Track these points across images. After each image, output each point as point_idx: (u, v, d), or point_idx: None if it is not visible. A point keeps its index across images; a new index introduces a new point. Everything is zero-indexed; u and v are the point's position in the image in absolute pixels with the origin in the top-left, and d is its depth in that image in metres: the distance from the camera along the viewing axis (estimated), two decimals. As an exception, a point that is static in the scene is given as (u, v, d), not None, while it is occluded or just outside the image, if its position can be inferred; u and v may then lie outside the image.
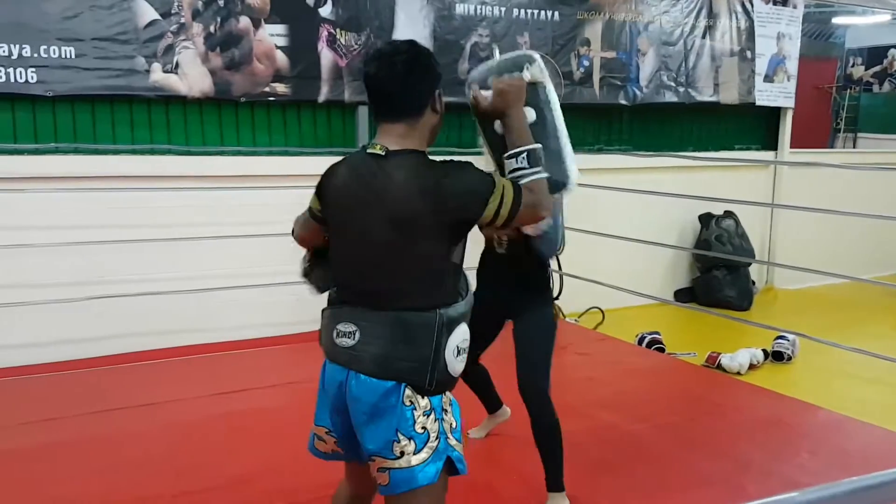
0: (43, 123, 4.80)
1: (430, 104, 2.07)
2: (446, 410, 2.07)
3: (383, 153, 2.01)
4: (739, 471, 3.55)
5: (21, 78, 4.58)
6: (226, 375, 4.72)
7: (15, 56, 4.55)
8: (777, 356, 5.47)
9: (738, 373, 5.19)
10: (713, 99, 7.08)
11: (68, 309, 4.79)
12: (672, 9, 6.74)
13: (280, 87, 5.28)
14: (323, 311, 2.15)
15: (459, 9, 5.83)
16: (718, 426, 4.14)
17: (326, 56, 5.39)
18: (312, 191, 2.21)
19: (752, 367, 5.31)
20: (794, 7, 7.42)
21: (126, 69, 4.83)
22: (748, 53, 7.19)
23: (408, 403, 2.00)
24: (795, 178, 7.61)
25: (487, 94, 2.38)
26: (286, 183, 4.99)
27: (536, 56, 2.45)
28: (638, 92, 6.68)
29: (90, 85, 4.76)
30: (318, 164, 2.32)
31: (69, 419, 4.04)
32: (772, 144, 7.83)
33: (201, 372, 4.82)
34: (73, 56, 4.68)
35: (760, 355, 5.40)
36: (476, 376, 3.49)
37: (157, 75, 4.92)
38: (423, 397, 2.01)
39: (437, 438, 2.02)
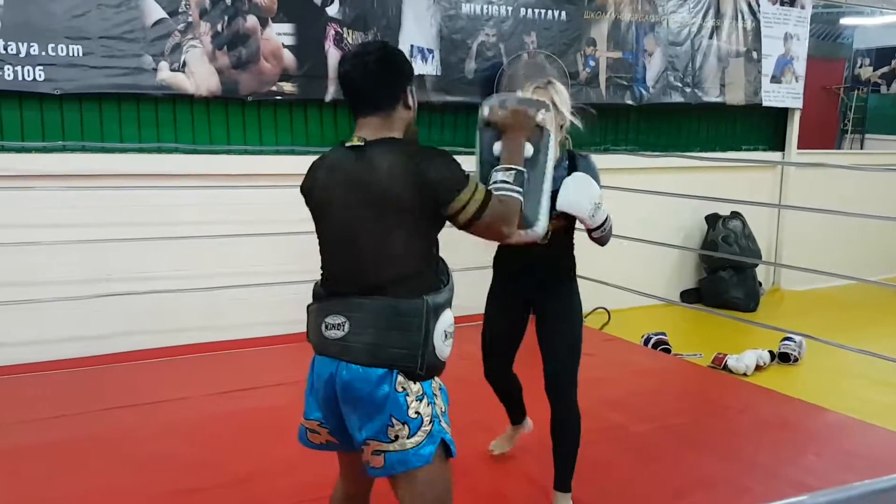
0: (50, 121, 4.81)
1: (402, 100, 2.17)
2: (436, 395, 2.13)
3: (362, 143, 2.10)
4: (745, 472, 3.54)
5: (29, 76, 4.59)
6: (231, 374, 4.72)
7: (23, 54, 4.56)
8: (783, 357, 5.45)
9: (745, 374, 5.17)
10: (719, 100, 7.06)
11: (74, 307, 4.80)
12: (679, 9, 6.72)
13: (287, 86, 5.29)
14: (308, 306, 2.21)
15: (466, 8, 5.82)
16: (724, 427, 4.13)
17: (333, 55, 5.39)
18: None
19: (758, 368, 5.29)
20: (802, 7, 7.39)
21: (133, 68, 4.84)
22: (754, 54, 7.17)
23: (400, 389, 2.05)
24: (802, 179, 7.59)
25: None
26: (293, 182, 4.91)
27: (551, 108, 2.55)
28: (644, 92, 6.66)
29: (98, 83, 4.77)
30: (325, 163, 2.32)
31: (74, 417, 4.06)
32: (779, 145, 7.80)
33: (206, 370, 4.83)
34: (81, 54, 4.69)
35: (767, 356, 5.38)
36: (508, 385, 3.36)
37: (165, 74, 4.93)
38: (414, 383, 2.07)
39: (430, 422, 2.08)
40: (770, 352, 5.43)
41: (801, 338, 5.40)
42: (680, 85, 6.83)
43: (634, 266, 6.47)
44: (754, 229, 7.30)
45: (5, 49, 4.51)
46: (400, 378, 2.06)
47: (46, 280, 4.79)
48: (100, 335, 4.95)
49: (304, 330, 2.20)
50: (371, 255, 2.08)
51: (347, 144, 2.12)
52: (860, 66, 10.17)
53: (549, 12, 6.14)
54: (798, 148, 7.78)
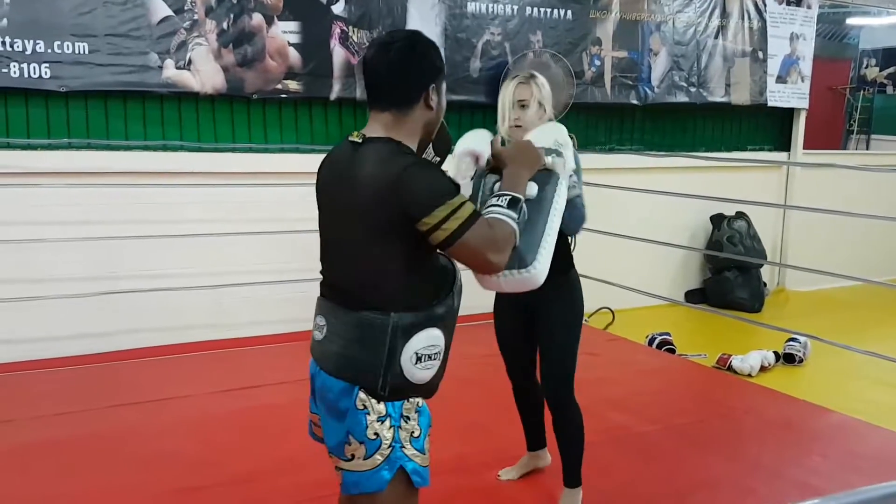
0: (56, 119, 4.82)
1: (424, 98, 1.97)
2: (408, 418, 1.97)
3: (360, 140, 1.95)
4: (749, 473, 3.54)
5: (35, 73, 4.59)
6: (235, 372, 4.73)
7: (29, 51, 4.56)
8: (788, 358, 5.44)
9: (749, 375, 5.16)
10: (724, 99, 7.05)
11: (79, 304, 4.81)
12: (685, 8, 6.71)
13: (292, 84, 5.29)
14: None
15: (471, 7, 5.82)
16: (729, 428, 4.12)
17: (339, 53, 5.39)
18: None
19: (763, 369, 5.28)
20: (809, 7, 7.38)
21: (139, 65, 4.84)
22: (760, 54, 7.15)
23: (360, 407, 1.93)
24: (808, 180, 7.57)
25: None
26: (297, 180, 4.96)
27: (569, 159, 2.36)
28: (650, 92, 6.65)
29: (103, 81, 4.78)
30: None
31: (78, 414, 4.07)
32: (784, 145, 7.78)
33: (210, 368, 4.83)
34: (87, 52, 4.70)
35: (772, 357, 5.37)
36: (528, 398, 3.27)
37: (170, 72, 4.93)
38: (378, 402, 1.94)
39: (390, 447, 1.94)
40: (775, 352, 5.41)
41: (806, 338, 5.39)
42: (685, 84, 6.82)
43: (639, 266, 6.46)
44: (759, 229, 7.28)
45: (11, 46, 4.52)
46: (362, 395, 1.93)
47: (51, 277, 4.79)
48: (104, 332, 4.95)
49: (310, 329, 2.16)
50: (347, 261, 1.98)
51: (349, 138, 1.99)
52: (866, 67, 10.16)
53: (555, 11, 6.13)
54: (804, 148, 7.76)
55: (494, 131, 2.73)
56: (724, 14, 6.91)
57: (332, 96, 5.43)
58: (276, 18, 5.19)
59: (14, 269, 4.73)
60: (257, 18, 5.13)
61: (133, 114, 5.01)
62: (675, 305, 6.80)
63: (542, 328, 3.00)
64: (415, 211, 1.84)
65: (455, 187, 1.90)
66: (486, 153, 2.67)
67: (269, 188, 5.22)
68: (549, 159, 2.23)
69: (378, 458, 1.93)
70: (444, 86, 2.04)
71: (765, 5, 7.09)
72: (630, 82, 6.55)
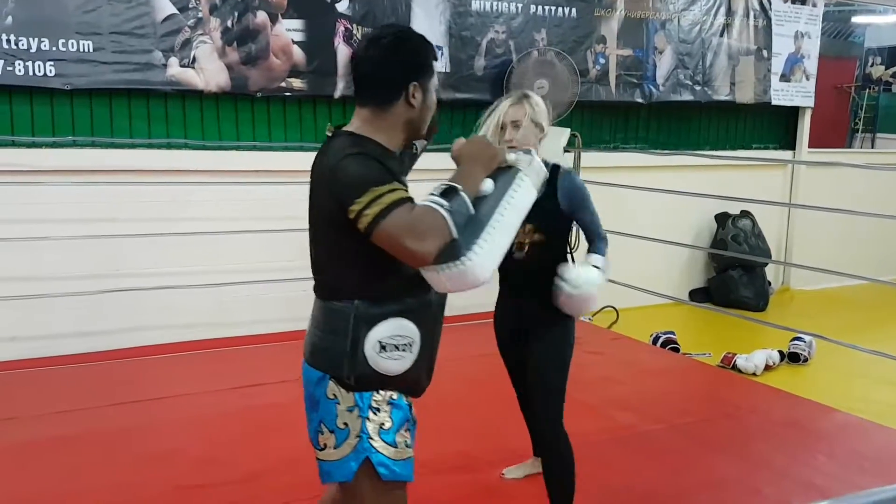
0: (61, 117, 4.82)
1: (405, 95, 1.94)
2: (377, 409, 1.97)
3: (330, 134, 2.00)
4: (754, 472, 3.53)
5: (40, 71, 4.60)
6: (238, 370, 4.73)
7: (34, 49, 4.57)
8: (793, 357, 5.43)
9: (754, 374, 5.15)
10: (729, 98, 7.03)
11: (83, 302, 4.81)
12: (690, 7, 6.69)
13: (296, 83, 5.28)
14: None
15: (476, 5, 5.81)
16: (734, 427, 4.11)
17: (343, 51, 5.39)
18: None
19: (767, 368, 5.27)
20: (814, 6, 7.35)
21: (143, 63, 4.85)
22: (764, 52, 7.13)
23: (331, 396, 1.97)
24: (813, 178, 7.55)
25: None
26: (301, 178, 4.92)
27: (537, 160, 2.08)
28: (654, 90, 6.64)
29: (108, 79, 4.78)
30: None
31: (84, 412, 4.07)
32: (790, 144, 7.77)
33: (216, 366, 4.83)
34: (92, 50, 4.70)
35: (776, 356, 5.36)
36: (530, 406, 3.16)
37: (174, 70, 4.93)
38: (348, 392, 1.96)
39: (357, 437, 1.95)
40: (780, 351, 5.40)
41: (811, 338, 5.38)
42: (690, 83, 6.80)
43: (643, 264, 6.44)
44: (764, 228, 7.26)
45: (16, 44, 4.52)
46: (332, 385, 1.96)
47: (55, 275, 4.80)
48: (108, 331, 4.96)
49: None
50: (318, 254, 2.03)
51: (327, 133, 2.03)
52: (871, 65, 10.13)
53: (560, 9, 6.12)
54: (809, 147, 7.74)
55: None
56: (730, 12, 6.89)
57: (336, 94, 5.42)
58: (280, 16, 5.19)
59: (18, 267, 4.73)
60: (261, 16, 5.13)
61: (137, 112, 5.01)
62: (680, 304, 6.79)
63: (532, 365, 2.87)
64: (344, 199, 1.83)
65: (388, 179, 1.83)
66: None
67: (273, 186, 5.21)
68: (511, 156, 2.06)
69: (346, 448, 1.96)
70: (432, 84, 2.00)
71: (770, 4, 7.07)
72: (635, 80, 6.54)
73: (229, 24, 5.04)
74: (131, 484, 3.30)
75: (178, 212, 5.05)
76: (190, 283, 5.05)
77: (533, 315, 2.86)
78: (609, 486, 3.30)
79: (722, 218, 7.18)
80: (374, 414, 1.97)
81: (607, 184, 5.57)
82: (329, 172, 1.89)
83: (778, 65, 7.23)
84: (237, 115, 5.29)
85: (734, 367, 5.23)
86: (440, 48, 5.69)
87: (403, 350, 1.96)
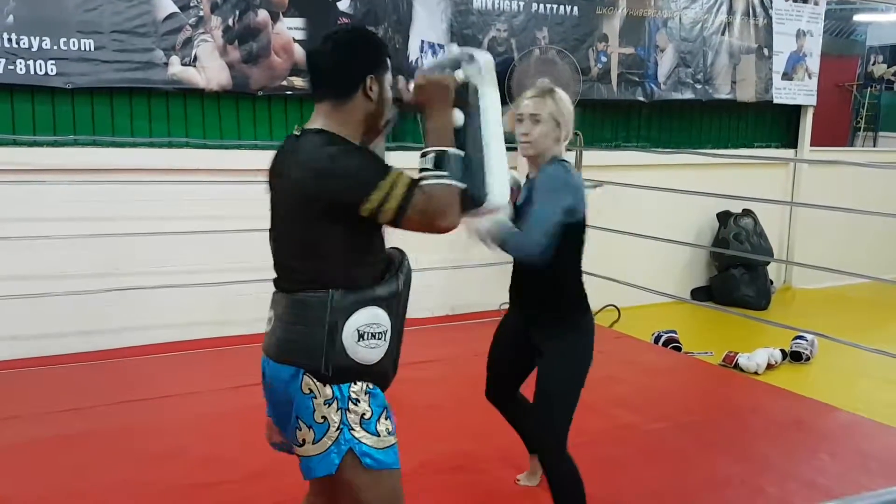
0: (62, 116, 4.82)
1: (362, 88, 1.97)
2: (357, 400, 1.97)
3: (299, 133, 2.00)
4: (757, 472, 3.52)
5: (41, 70, 4.59)
6: (243, 369, 4.70)
7: (35, 48, 4.56)
8: (795, 356, 5.42)
9: (756, 373, 5.14)
10: (730, 96, 7.02)
11: (85, 301, 4.81)
12: (691, 5, 6.69)
13: (297, 81, 5.27)
14: None
15: (477, 3, 5.80)
16: (736, 426, 4.11)
17: (344, 50, 5.37)
18: None
19: (769, 367, 5.26)
20: (816, 4, 7.34)
21: (145, 62, 4.84)
22: (766, 51, 7.12)
23: (307, 391, 1.95)
24: (815, 177, 7.54)
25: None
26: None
27: (480, 57, 2.07)
28: (656, 88, 6.63)
29: (109, 77, 4.78)
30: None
31: (86, 411, 4.07)
32: (792, 142, 7.76)
33: (219, 365, 4.83)
34: (93, 48, 4.70)
35: (778, 355, 5.35)
36: (511, 412, 3.06)
37: (176, 68, 4.92)
38: (325, 385, 1.95)
39: (338, 429, 1.95)
40: (782, 350, 5.39)
41: (813, 336, 5.37)
42: (691, 81, 6.80)
43: (645, 263, 6.44)
44: (766, 227, 7.26)
45: (17, 43, 4.52)
46: (307, 379, 1.95)
47: (57, 274, 4.79)
48: (111, 329, 4.96)
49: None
50: (287, 248, 2.02)
51: (292, 132, 2.04)
52: (873, 64, 10.11)
53: (561, 7, 6.11)
54: (811, 145, 7.73)
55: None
56: (731, 11, 6.89)
57: (338, 93, 5.41)
58: (281, 15, 5.18)
59: (21, 265, 4.72)
60: (263, 15, 5.12)
61: (139, 111, 5.01)
62: (682, 303, 6.78)
63: (540, 375, 2.70)
64: (351, 198, 1.88)
65: (383, 167, 1.92)
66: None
67: (274, 185, 5.21)
68: (458, 73, 2.04)
69: (327, 441, 1.95)
70: (387, 78, 2.02)
71: (771, 2, 7.06)
72: (636, 79, 6.53)
73: (230, 22, 5.03)
74: (135, 482, 3.30)
75: (179, 210, 5.04)
76: (192, 281, 5.05)
77: (540, 326, 2.71)
78: (611, 486, 3.29)
79: (724, 216, 7.18)
80: (355, 405, 1.97)
81: (608, 182, 5.57)
82: (313, 169, 1.90)
83: (780, 63, 7.22)
84: (238, 114, 5.29)
85: (736, 366, 5.22)
86: (442, 46, 5.68)
87: (379, 338, 1.98)
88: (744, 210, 7.15)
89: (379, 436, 1.99)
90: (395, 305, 2.02)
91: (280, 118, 5.40)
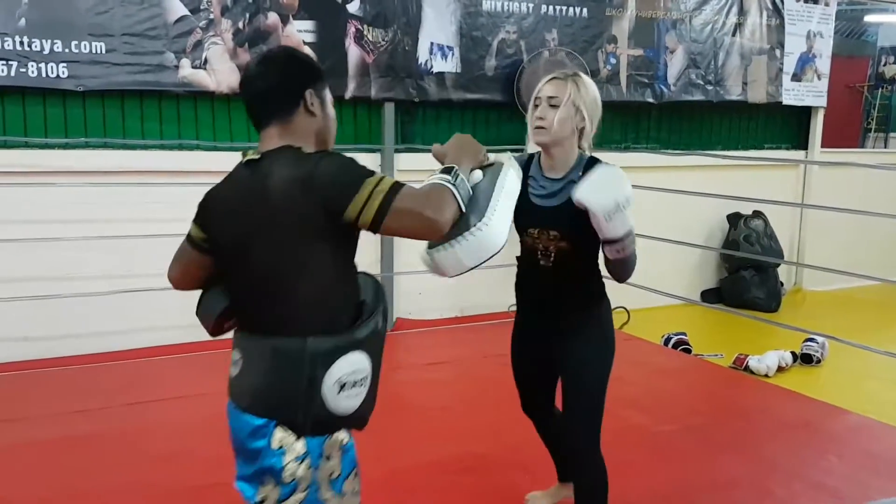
0: (73, 118, 4.85)
1: (303, 104, 1.88)
2: (329, 456, 1.83)
3: (258, 157, 1.87)
4: (766, 473, 3.52)
5: (52, 73, 4.63)
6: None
7: (47, 51, 4.59)
8: (806, 359, 5.40)
9: (766, 375, 5.13)
10: (741, 98, 7.01)
11: (96, 302, 4.83)
12: (702, 6, 6.68)
13: (307, 84, 5.29)
14: None
15: (487, 5, 5.81)
16: (745, 429, 4.10)
17: (353, 52, 5.40)
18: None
19: (780, 369, 5.24)
20: (827, 5, 7.32)
21: (155, 65, 4.87)
22: (776, 52, 7.11)
23: (277, 446, 1.79)
24: (826, 178, 7.52)
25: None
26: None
27: (513, 160, 2.02)
28: (666, 90, 6.62)
29: (120, 80, 4.80)
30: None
31: (96, 412, 4.09)
32: (802, 144, 7.73)
33: (226, 367, 4.81)
34: (104, 51, 4.72)
35: (789, 357, 5.34)
36: (549, 430, 2.97)
37: (186, 71, 4.95)
38: (297, 439, 1.79)
39: (305, 490, 1.80)
40: (792, 353, 5.38)
41: (824, 339, 5.35)
42: (702, 83, 6.79)
43: (654, 265, 6.39)
44: (776, 228, 7.24)
45: (29, 46, 4.55)
46: (279, 433, 1.79)
47: (69, 276, 4.82)
48: (121, 331, 4.98)
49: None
50: (261, 285, 1.84)
51: (245, 160, 1.91)
52: (884, 65, 10.05)
53: (571, 9, 6.12)
54: (821, 146, 7.70)
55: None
56: (742, 11, 6.87)
57: (347, 95, 5.43)
58: (291, 17, 5.20)
59: (31, 267, 4.76)
60: (273, 18, 5.14)
61: (149, 113, 5.04)
62: (691, 305, 6.77)
63: (565, 371, 2.63)
64: (336, 204, 1.75)
65: (370, 170, 1.81)
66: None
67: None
68: (493, 156, 2.02)
69: (293, 502, 1.80)
70: (327, 94, 1.95)
71: (782, 3, 7.05)
72: (646, 80, 6.53)
73: (241, 25, 5.06)
74: (144, 483, 3.32)
75: (189, 213, 5.03)
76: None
77: (562, 319, 2.61)
78: (620, 487, 3.28)
79: (734, 218, 7.16)
80: (326, 462, 1.83)
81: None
82: (299, 180, 1.77)
83: (789, 64, 7.20)
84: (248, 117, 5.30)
85: (746, 369, 5.21)
86: (451, 49, 5.69)
87: (360, 387, 1.83)
88: (754, 212, 7.13)
89: (344, 496, 1.86)
90: (376, 345, 1.88)
91: (290, 120, 5.41)
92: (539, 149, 2.62)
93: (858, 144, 9.71)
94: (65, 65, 4.64)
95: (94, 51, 4.70)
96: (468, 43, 5.76)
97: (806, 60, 7.30)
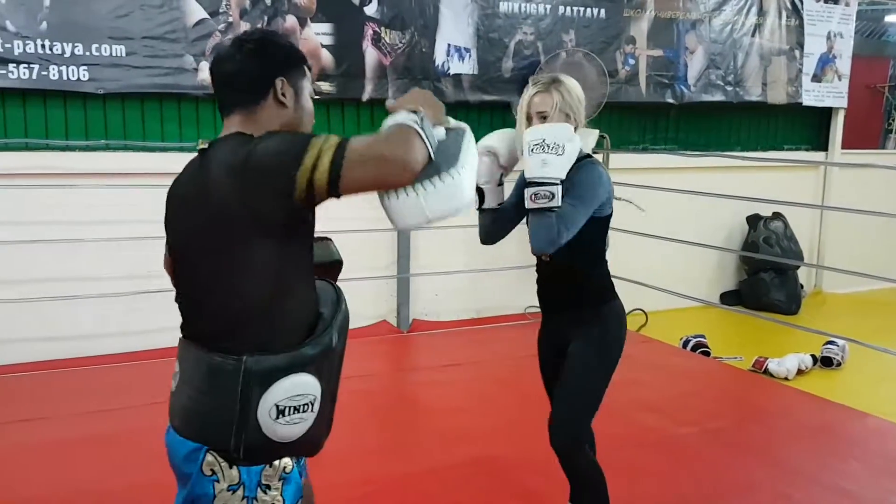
0: (94, 120, 4.89)
1: (272, 92, 1.72)
2: (267, 487, 1.66)
3: (206, 146, 1.69)
4: (786, 477, 3.49)
5: (73, 76, 4.67)
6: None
7: (68, 54, 4.64)
8: (826, 362, 5.36)
9: (786, 378, 5.09)
10: (761, 98, 6.97)
11: (117, 303, 4.88)
12: (721, 7, 6.64)
13: (325, 86, 5.31)
14: None
15: (504, 7, 5.81)
16: (765, 432, 4.08)
17: (371, 55, 5.41)
18: None
19: (800, 372, 5.21)
20: (847, 5, 7.27)
21: (175, 67, 4.90)
22: (796, 52, 7.06)
23: (208, 473, 1.63)
24: (846, 180, 7.45)
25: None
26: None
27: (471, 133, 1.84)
28: (685, 90, 6.59)
29: (140, 83, 4.84)
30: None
31: (118, 411, 4.13)
32: (822, 145, 7.68)
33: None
34: (124, 54, 4.76)
35: (809, 360, 5.29)
36: None
37: (205, 74, 4.97)
38: (231, 467, 1.63)
39: None
40: (812, 356, 5.34)
41: (844, 342, 5.31)
42: (721, 83, 6.75)
43: (673, 267, 6.40)
44: (796, 230, 7.19)
45: (51, 49, 4.60)
46: (210, 458, 1.63)
47: (89, 276, 4.87)
48: (142, 331, 5.01)
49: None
50: (196, 293, 1.69)
51: (197, 149, 1.72)
52: (905, 65, 9.96)
53: (588, 10, 6.10)
54: (842, 148, 7.64)
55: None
56: (761, 12, 6.83)
57: (365, 97, 5.45)
58: (309, 20, 5.22)
59: (52, 268, 4.81)
60: (291, 20, 5.17)
61: (169, 115, 5.08)
62: (710, 307, 6.73)
63: (564, 368, 2.61)
64: (281, 180, 1.53)
65: (313, 135, 1.60)
66: (504, 152, 2.59)
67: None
68: (453, 122, 1.81)
69: None
70: (304, 84, 1.79)
71: (802, 3, 7.00)
72: (666, 81, 6.50)
73: (259, 28, 5.08)
74: (164, 484, 3.32)
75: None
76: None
77: (570, 322, 2.63)
78: (638, 490, 3.28)
79: (753, 220, 7.12)
80: (264, 493, 1.66)
81: (637, 185, 5.54)
82: (232, 166, 1.59)
83: (809, 65, 7.15)
84: (267, 119, 5.33)
85: (766, 372, 5.17)
86: (468, 50, 5.69)
87: (304, 411, 1.63)
88: (774, 213, 7.08)
89: None
90: (328, 365, 1.69)
91: (308, 122, 5.43)
92: None
93: (879, 145, 9.62)
94: (85, 68, 4.69)
95: (114, 54, 4.74)
96: (485, 44, 5.76)
97: (826, 61, 7.24)
